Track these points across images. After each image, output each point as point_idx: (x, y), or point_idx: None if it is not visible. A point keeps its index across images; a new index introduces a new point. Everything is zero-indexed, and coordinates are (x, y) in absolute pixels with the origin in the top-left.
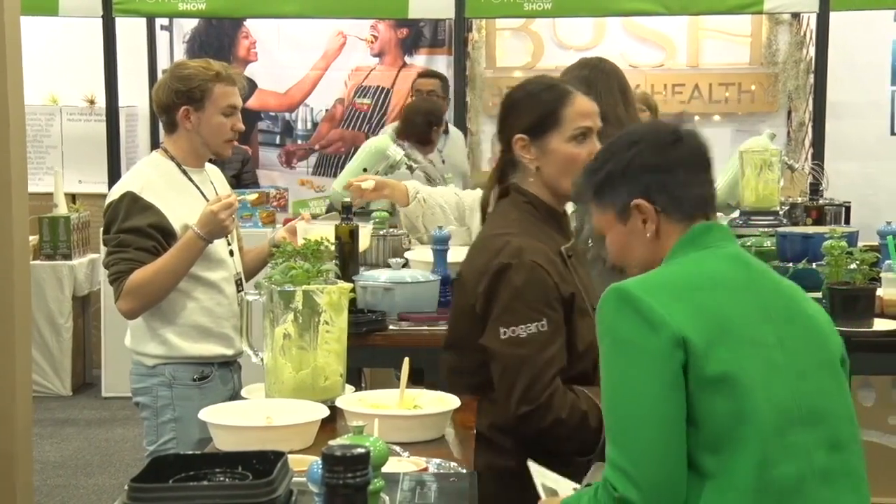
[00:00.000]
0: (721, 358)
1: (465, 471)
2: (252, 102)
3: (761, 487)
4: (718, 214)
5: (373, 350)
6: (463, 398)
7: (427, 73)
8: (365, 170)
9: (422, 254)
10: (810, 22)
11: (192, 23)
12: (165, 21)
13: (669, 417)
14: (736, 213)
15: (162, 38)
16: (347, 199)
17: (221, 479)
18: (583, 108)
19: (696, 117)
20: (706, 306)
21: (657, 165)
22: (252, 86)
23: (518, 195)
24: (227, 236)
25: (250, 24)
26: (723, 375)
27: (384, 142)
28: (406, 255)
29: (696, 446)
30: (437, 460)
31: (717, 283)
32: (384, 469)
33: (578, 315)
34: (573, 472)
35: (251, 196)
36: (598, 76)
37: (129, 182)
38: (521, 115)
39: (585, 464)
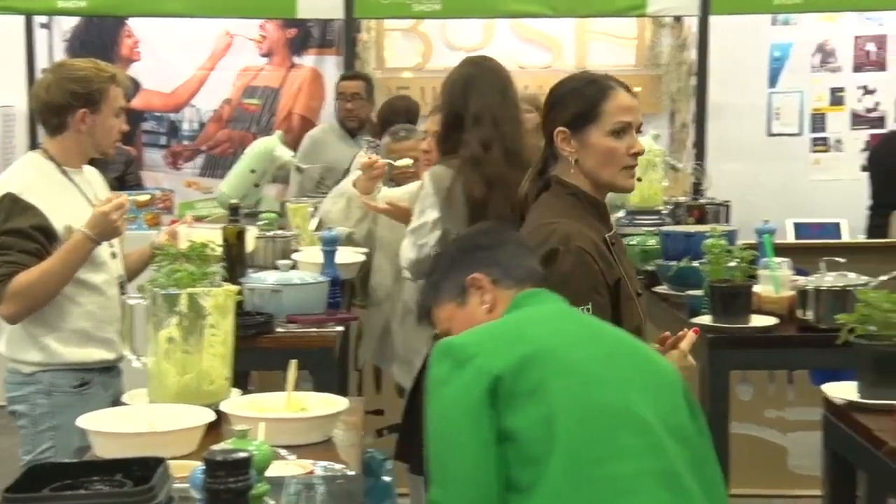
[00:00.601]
0: (533, 376)
1: (352, 472)
2: (136, 102)
3: (575, 487)
4: None
5: (260, 353)
6: None
7: (351, 76)
8: (253, 171)
9: (310, 255)
10: (692, 25)
11: (73, 21)
12: (45, 19)
13: (478, 442)
14: (621, 213)
15: (41, 36)
16: (235, 201)
17: (100, 487)
18: (623, 103)
19: None
20: (522, 336)
21: (488, 244)
22: (136, 86)
23: (560, 187)
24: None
25: (133, 23)
26: (535, 387)
27: (272, 143)
28: (294, 256)
29: (514, 462)
30: (324, 462)
31: (538, 319)
32: (269, 473)
33: (625, 300)
34: None
35: (142, 198)
36: (479, 73)
37: (7, 183)
38: (562, 108)
39: None
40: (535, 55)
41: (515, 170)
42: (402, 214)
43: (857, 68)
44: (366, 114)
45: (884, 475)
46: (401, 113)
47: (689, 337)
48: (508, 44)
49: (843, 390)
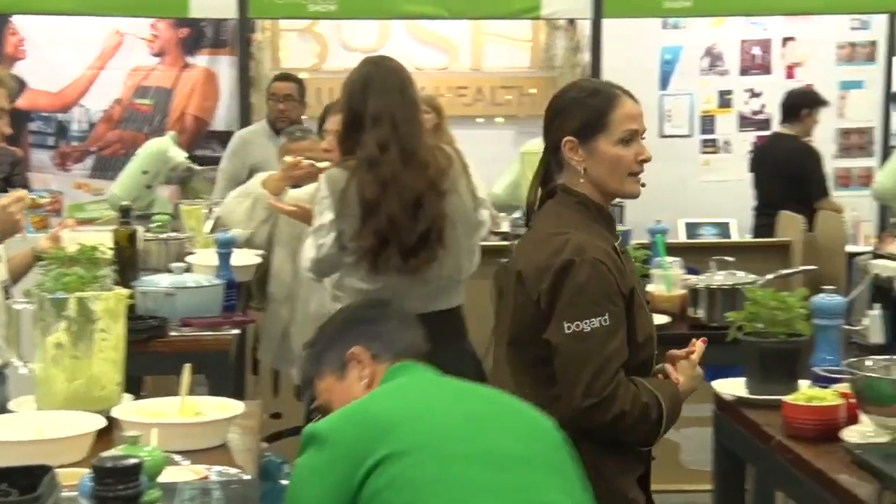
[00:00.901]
0: (392, 441)
1: (248, 477)
2: (21, 102)
3: None
4: (501, 214)
5: (154, 357)
6: (526, 391)
7: (283, 77)
8: (145, 172)
9: (205, 258)
10: (585, 28)
11: None
12: None
13: None
14: (518, 214)
15: None
16: (126, 203)
17: None
18: (629, 111)
19: (481, 119)
20: (376, 414)
21: (372, 317)
22: (21, 85)
23: (567, 196)
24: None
25: (18, 21)
26: (391, 465)
27: (165, 143)
28: (188, 259)
29: None
30: (219, 467)
31: (399, 391)
32: (162, 479)
33: (637, 308)
34: (628, 460)
35: (43, 199)
36: (378, 73)
37: None
38: (569, 118)
39: (645, 454)
40: (431, 57)
41: (411, 170)
42: (306, 215)
43: (744, 71)
44: (297, 115)
45: (771, 469)
46: None
47: (699, 347)
48: (404, 45)
49: (732, 386)
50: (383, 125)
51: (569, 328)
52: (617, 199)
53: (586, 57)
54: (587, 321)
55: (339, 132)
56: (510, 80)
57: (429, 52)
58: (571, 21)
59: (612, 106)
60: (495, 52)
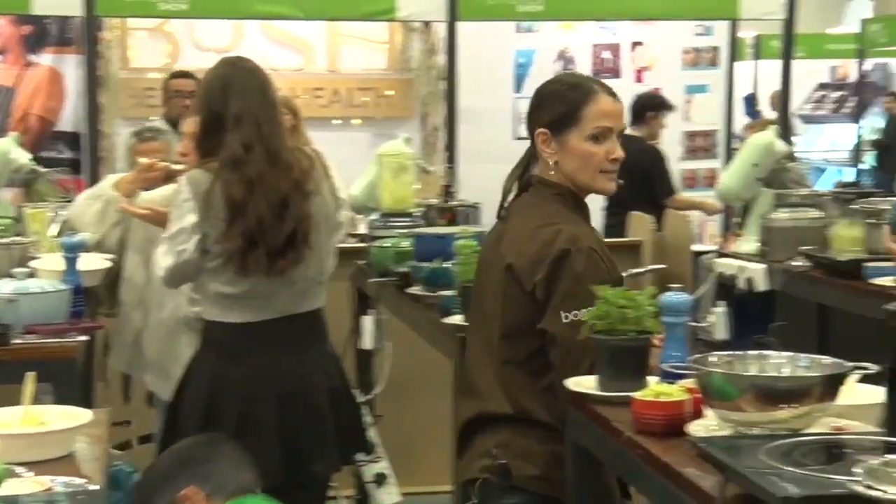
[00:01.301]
0: None
1: (94, 487)
2: None
3: None
4: (358, 216)
5: None
6: (518, 384)
7: (181, 75)
8: None
9: (50, 262)
10: (440, 30)
11: None
12: None
13: None
14: (375, 216)
15: None
16: None
17: None
18: (604, 108)
19: (337, 121)
20: None
21: (204, 457)
22: None
23: (545, 188)
24: None
25: None
26: None
27: (7, 145)
28: (32, 264)
29: None
30: (65, 478)
31: None
32: (3, 492)
33: None
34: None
35: None
36: (237, 74)
37: None
38: (544, 110)
39: None
40: (286, 58)
41: (276, 171)
42: (160, 219)
43: (595, 75)
44: None
45: (622, 464)
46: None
47: None
48: (259, 45)
49: (584, 383)
50: (246, 125)
51: (566, 317)
52: (473, 200)
53: (442, 59)
54: (585, 310)
55: (197, 134)
56: (367, 81)
57: (284, 53)
58: (427, 23)
59: (587, 101)
60: (351, 54)
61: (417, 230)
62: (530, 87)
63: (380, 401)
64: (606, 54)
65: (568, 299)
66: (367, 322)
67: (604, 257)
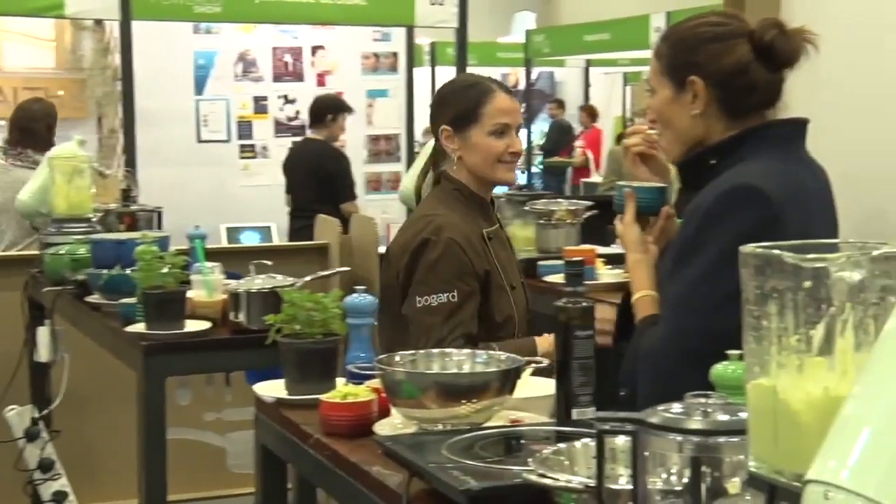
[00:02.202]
0: None
1: None
2: None
3: None
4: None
5: None
6: None
7: None
8: None
9: None
10: (114, 29)
11: None
12: None
13: None
14: (51, 227)
15: None
16: None
17: None
18: (501, 105)
19: (3, 122)
20: None
21: None
22: None
23: (447, 182)
24: None
25: None
26: None
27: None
28: None
29: None
30: None
31: None
32: None
33: (495, 290)
34: None
35: None
36: None
37: None
38: (446, 108)
39: None
40: None
41: None
42: None
43: (277, 78)
44: None
45: (311, 466)
46: (39, 118)
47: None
48: None
49: (273, 388)
50: None
51: (420, 302)
52: (154, 205)
53: (117, 59)
54: (435, 296)
55: None
56: (34, 80)
57: None
58: (99, 22)
59: (486, 100)
60: (16, 51)
61: (95, 236)
62: (212, 90)
63: (57, 415)
64: (288, 57)
65: (421, 286)
66: (42, 333)
67: (468, 250)
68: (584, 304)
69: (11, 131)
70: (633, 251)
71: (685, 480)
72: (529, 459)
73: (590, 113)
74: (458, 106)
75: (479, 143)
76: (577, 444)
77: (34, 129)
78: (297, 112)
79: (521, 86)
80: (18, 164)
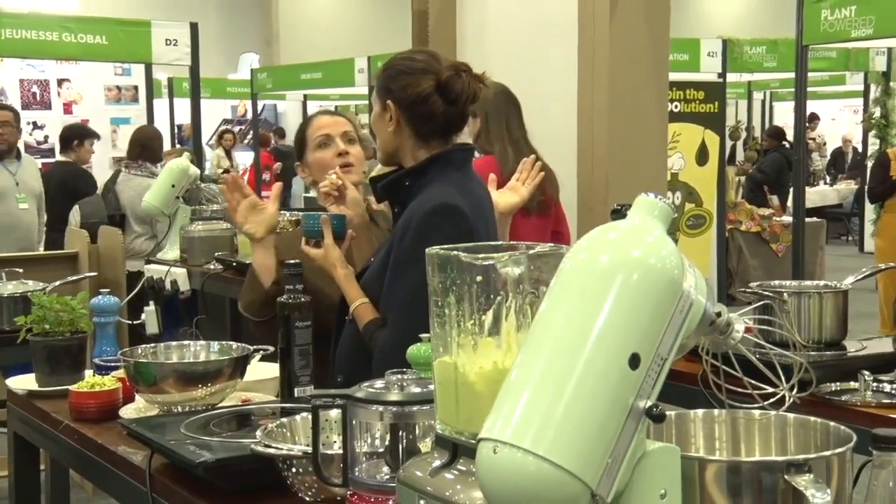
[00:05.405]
0: None
1: None
2: None
3: None
4: None
5: None
6: None
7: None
8: None
9: None
10: None
11: None
12: None
13: None
14: None
15: None
16: None
17: None
18: (319, 124)
19: None
20: None
21: None
22: None
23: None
24: None
25: None
26: None
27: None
28: None
29: None
30: None
31: None
32: None
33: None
34: None
35: None
36: None
37: None
38: (295, 148)
39: None
40: None
41: None
42: None
43: (25, 107)
44: (14, 139)
45: (62, 450)
46: (154, 137)
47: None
48: None
49: (24, 382)
50: None
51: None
52: None
53: None
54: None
55: None
56: None
57: None
58: None
59: (307, 126)
60: None
61: None
62: None
63: None
64: (35, 88)
65: None
66: None
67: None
68: (303, 299)
69: (132, 148)
70: (340, 267)
71: (387, 443)
72: (257, 433)
73: None
74: (296, 141)
75: (313, 159)
76: (298, 417)
77: (151, 146)
78: (47, 137)
79: (249, 115)
80: (139, 173)
